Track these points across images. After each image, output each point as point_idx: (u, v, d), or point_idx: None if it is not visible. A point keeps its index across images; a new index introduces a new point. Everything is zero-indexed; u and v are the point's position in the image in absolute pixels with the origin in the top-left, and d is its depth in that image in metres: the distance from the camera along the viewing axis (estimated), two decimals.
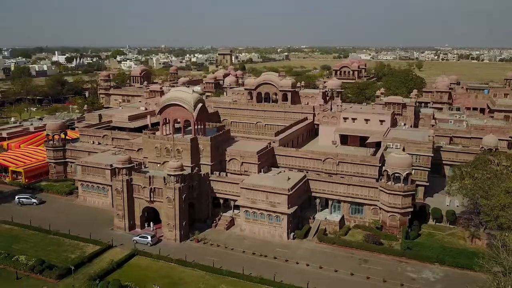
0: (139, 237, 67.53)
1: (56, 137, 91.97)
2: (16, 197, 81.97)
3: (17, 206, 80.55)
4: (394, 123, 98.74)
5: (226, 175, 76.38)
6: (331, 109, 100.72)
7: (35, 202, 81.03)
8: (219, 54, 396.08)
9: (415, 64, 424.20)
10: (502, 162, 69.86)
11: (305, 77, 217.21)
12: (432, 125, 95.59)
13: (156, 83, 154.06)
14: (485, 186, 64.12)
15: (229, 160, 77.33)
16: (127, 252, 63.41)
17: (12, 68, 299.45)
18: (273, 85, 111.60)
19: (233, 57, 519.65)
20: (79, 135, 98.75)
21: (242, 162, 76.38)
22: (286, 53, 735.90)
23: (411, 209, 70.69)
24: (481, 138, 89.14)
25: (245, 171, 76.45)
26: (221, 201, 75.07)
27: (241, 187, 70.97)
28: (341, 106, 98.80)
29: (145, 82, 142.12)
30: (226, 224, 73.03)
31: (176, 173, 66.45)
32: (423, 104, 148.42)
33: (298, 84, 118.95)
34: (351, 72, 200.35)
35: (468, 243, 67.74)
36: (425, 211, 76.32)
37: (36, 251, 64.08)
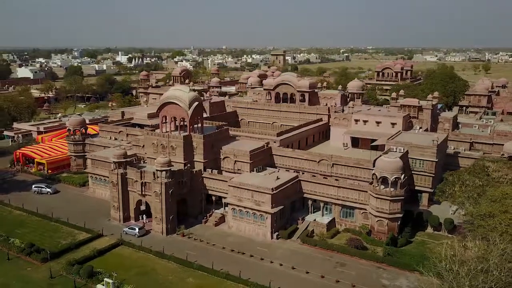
0: (128, 228, 70.95)
1: (77, 132, 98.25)
2: (34, 186, 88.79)
3: (33, 195, 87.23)
4: (409, 126, 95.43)
5: (221, 173, 78.09)
6: (342, 110, 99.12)
7: (49, 192, 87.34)
8: (272, 54, 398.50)
9: (482, 66, 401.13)
10: (502, 170, 65.65)
11: (347, 77, 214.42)
12: (449, 130, 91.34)
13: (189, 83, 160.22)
14: (475, 194, 60.81)
15: (224, 158, 78.92)
16: (113, 242, 67.00)
17: None
18: (291, 85, 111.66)
19: (290, 58, 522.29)
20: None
21: (235, 161, 77.64)
22: (347, 54, 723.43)
23: (400, 215, 68.34)
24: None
25: (238, 169, 77.64)
26: (214, 198, 76.72)
27: (228, 185, 72.28)
28: (352, 107, 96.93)
29: (170, 82, 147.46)
30: (216, 221, 74.62)
31: (163, 168, 69.08)
32: (466, 109, 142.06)
33: (319, 85, 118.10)
34: (393, 74, 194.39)
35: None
36: (422, 219, 73.44)
37: (34, 235, 69.45)
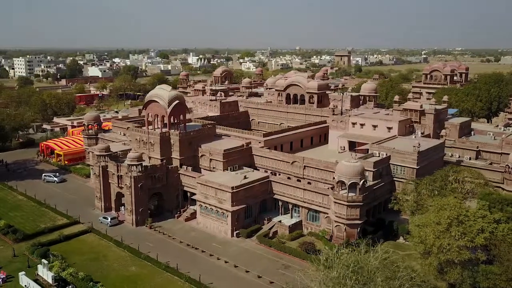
0: (103, 217, 75.89)
1: (90, 127, 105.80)
2: (43, 174, 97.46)
3: (42, 182, 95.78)
4: (410, 131, 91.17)
5: (200, 171, 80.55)
6: (341, 113, 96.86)
7: (56, 180, 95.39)
8: (336, 55, 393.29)
9: None
10: (465, 179, 61.16)
11: (407, 80, 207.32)
12: (445, 136, 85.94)
13: (236, 83, 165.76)
14: (427, 203, 57.46)
15: (201, 156, 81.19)
16: (83, 228, 72.19)
17: (143, 67, 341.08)
18: (300, 86, 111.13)
19: (360, 59, 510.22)
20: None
21: (211, 159, 79.60)
22: (425, 56, 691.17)
23: (360, 222, 66.11)
24: None
25: (213, 167, 79.55)
26: (189, 194, 79.28)
27: (197, 182, 74.52)
28: (349, 110, 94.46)
29: (191, 81, 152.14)
30: (187, 216, 77.18)
31: (133, 163, 73.03)
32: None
33: (332, 87, 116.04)
34: (442, 77, 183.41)
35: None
36: (393, 227, 70.35)
37: (21, 218, 76.72)
